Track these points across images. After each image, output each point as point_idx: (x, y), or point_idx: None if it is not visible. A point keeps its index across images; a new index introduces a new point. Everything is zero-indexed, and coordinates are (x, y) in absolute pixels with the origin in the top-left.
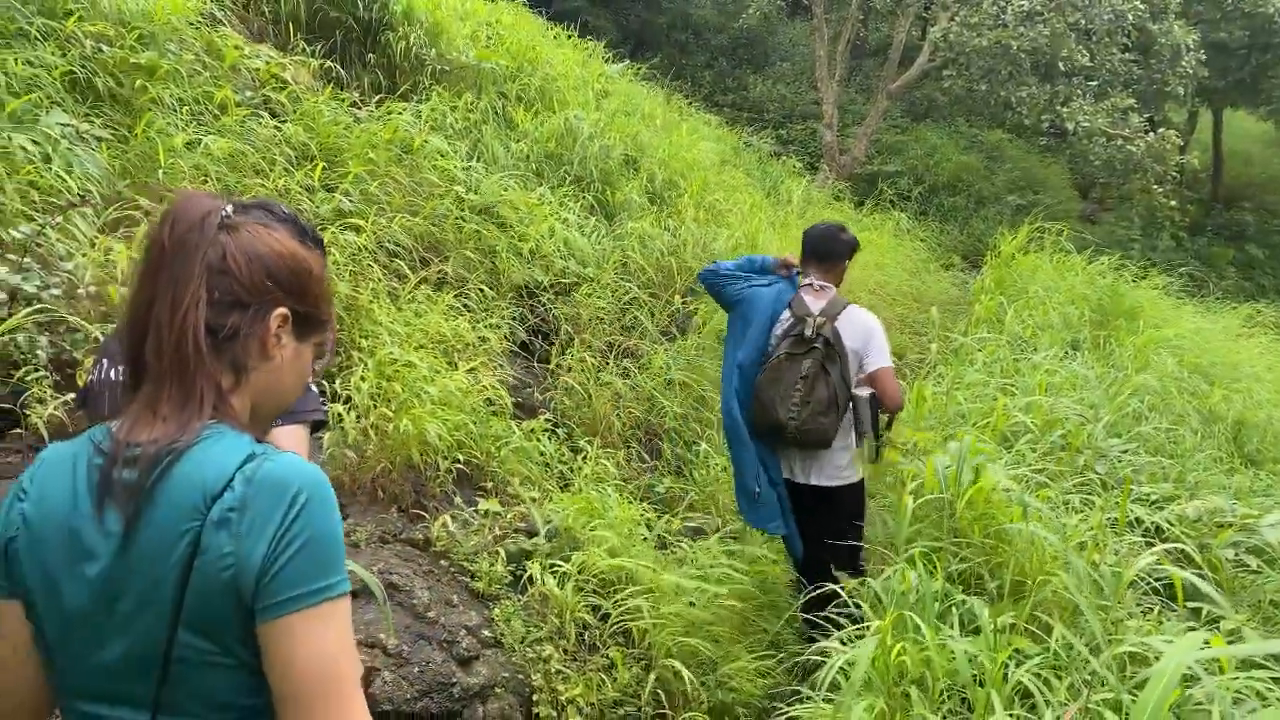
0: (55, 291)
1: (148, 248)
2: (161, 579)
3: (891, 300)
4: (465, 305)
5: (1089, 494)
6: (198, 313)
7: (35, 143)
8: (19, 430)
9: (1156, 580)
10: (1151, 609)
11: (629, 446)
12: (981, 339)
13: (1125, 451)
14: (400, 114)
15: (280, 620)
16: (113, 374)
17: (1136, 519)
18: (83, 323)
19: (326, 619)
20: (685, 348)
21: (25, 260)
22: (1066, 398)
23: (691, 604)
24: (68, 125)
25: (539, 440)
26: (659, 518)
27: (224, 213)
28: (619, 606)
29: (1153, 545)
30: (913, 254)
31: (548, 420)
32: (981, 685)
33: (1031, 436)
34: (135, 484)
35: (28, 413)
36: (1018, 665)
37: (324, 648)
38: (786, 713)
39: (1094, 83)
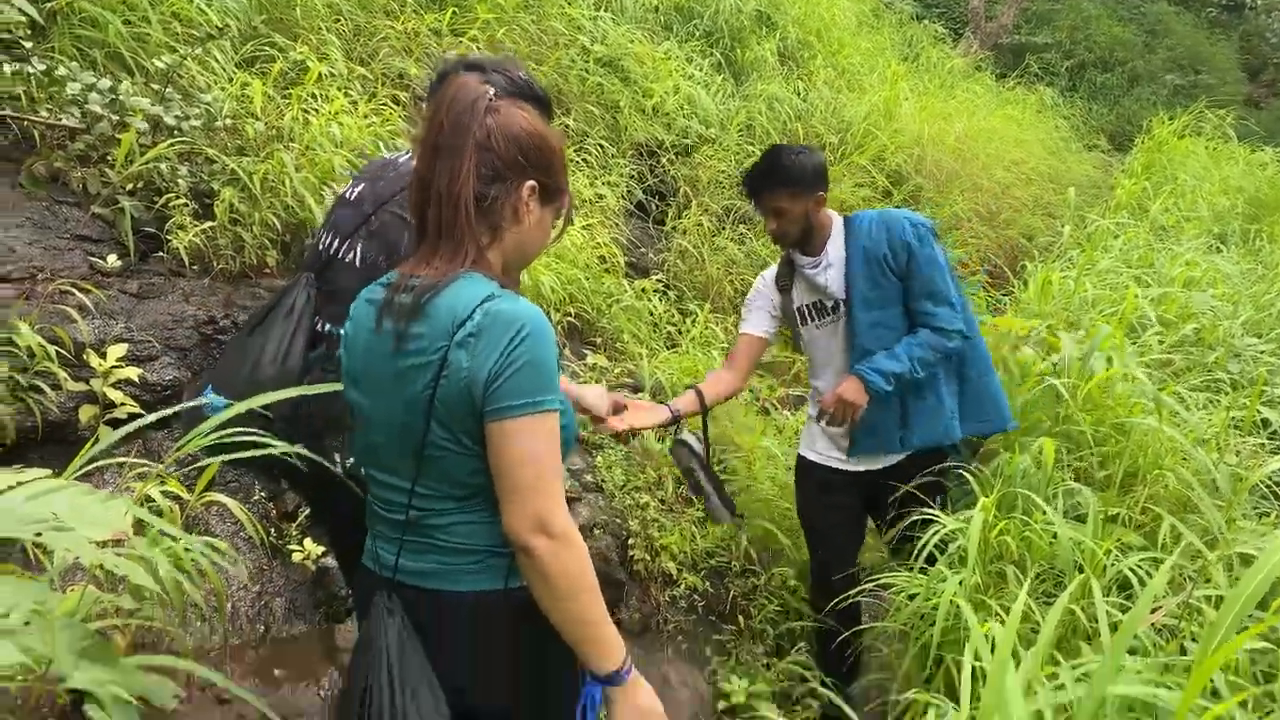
0: (195, 123)
1: (428, 126)
2: (421, 384)
3: (1027, 179)
4: (584, 160)
5: (1216, 392)
6: (469, 184)
7: None
8: (161, 254)
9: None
10: (1269, 513)
11: (739, 312)
12: (1120, 224)
13: (1263, 352)
14: None
15: (500, 422)
16: (329, 242)
17: (1264, 420)
18: (220, 154)
19: (536, 426)
20: None
21: (167, 90)
22: (1205, 292)
23: (788, 469)
24: None
25: (649, 300)
26: (764, 384)
27: (489, 97)
28: (717, 466)
29: None
30: (1054, 132)
31: (659, 281)
32: (1081, 571)
33: (1161, 329)
34: (407, 306)
35: (170, 238)
36: (1121, 555)
37: (533, 447)
38: (878, 579)
39: None
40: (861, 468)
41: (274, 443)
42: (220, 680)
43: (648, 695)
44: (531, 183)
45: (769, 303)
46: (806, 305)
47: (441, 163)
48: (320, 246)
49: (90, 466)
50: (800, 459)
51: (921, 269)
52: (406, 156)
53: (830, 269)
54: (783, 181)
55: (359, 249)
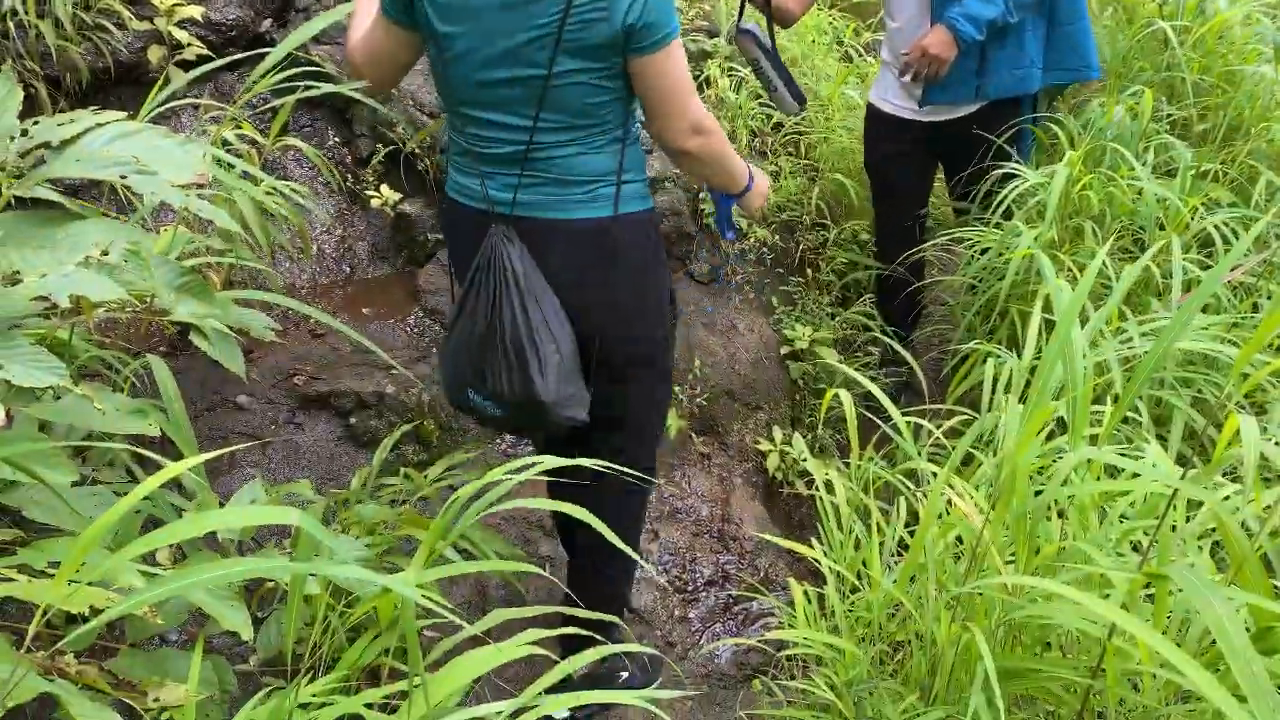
0: None
1: None
2: (547, 16)
3: None
4: None
5: None
6: None
7: None
8: None
9: None
10: None
11: None
12: None
13: None
14: None
15: (653, 54)
16: None
17: None
18: None
19: (676, 51)
20: None
21: None
22: None
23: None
24: None
25: None
26: (849, 28)
27: None
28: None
29: None
30: None
31: None
32: (1163, 229)
33: None
34: None
35: None
36: (1208, 213)
37: (676, 71)
38: (953, 233)
39: None
40: (934, 118)
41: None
42: (314, 313)
43: (761, 177)
44: None
45: None
46: None
47: None
48: None
49: (164, 108)
50: (870, 107)
51: None
52: None
53: None
54: None
55: None
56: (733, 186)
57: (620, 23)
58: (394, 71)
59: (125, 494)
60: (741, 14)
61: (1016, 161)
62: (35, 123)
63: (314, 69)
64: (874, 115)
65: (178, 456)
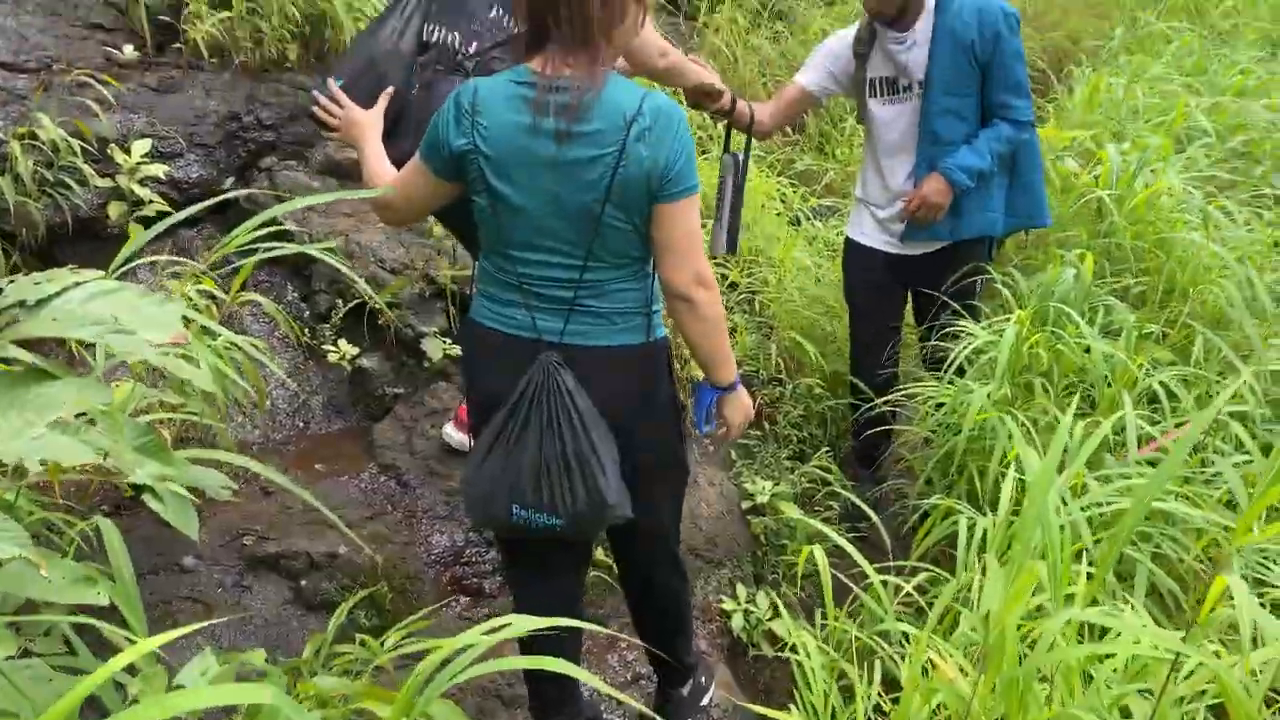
0: None
1: None
2: (598, 173)
3: None
4: None
5: (1260, 208)
6: None
7: None
8: (179, 45)
9: None
10: None
11: None
12: (1175, 28)
13: None
14: None
15: (674, 203)
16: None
17: None
18: None
19: (694, 203)
20: (845, 13)
21: None
22: (1258, 102)
23: (818, 281)
24: None
25: (679, 96)
26: (796, 194)
27: None
28: (747, 276)
29: None
30: None
31: None
32: (1110, 385)
33: (1209, 142)
34: (570, 103)
35: (186, 29)
36: (1152, 370)
37: (693, 220)
38: (905, 389)
39: None
40: (907, 251)
41: (305, 246)
42: (267, 472)
43: (747, 396)
44: None
45: (836, 64)
46: (879, 78)
47: None
48: None
49: (127, 266)
50: (849, 241)
51: (1007, 59)
52: None
53: (915, 48)
54: None
55: None
56: (721, 367)
57: (661, 168)
58: (424, 212)
59: (63, 668)
60: (728, 138)
61: (977, 297)
62: (11, 281)
63: (276, 227)
64: (853, 247)
65: (120, 623)
